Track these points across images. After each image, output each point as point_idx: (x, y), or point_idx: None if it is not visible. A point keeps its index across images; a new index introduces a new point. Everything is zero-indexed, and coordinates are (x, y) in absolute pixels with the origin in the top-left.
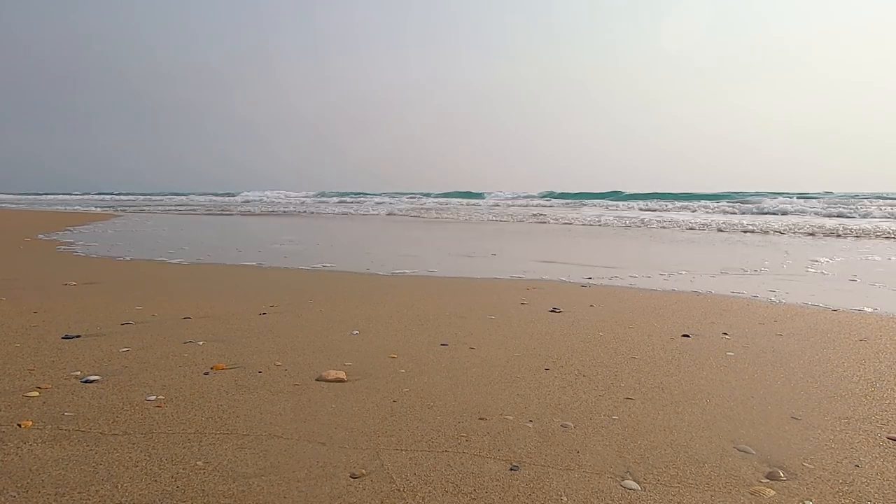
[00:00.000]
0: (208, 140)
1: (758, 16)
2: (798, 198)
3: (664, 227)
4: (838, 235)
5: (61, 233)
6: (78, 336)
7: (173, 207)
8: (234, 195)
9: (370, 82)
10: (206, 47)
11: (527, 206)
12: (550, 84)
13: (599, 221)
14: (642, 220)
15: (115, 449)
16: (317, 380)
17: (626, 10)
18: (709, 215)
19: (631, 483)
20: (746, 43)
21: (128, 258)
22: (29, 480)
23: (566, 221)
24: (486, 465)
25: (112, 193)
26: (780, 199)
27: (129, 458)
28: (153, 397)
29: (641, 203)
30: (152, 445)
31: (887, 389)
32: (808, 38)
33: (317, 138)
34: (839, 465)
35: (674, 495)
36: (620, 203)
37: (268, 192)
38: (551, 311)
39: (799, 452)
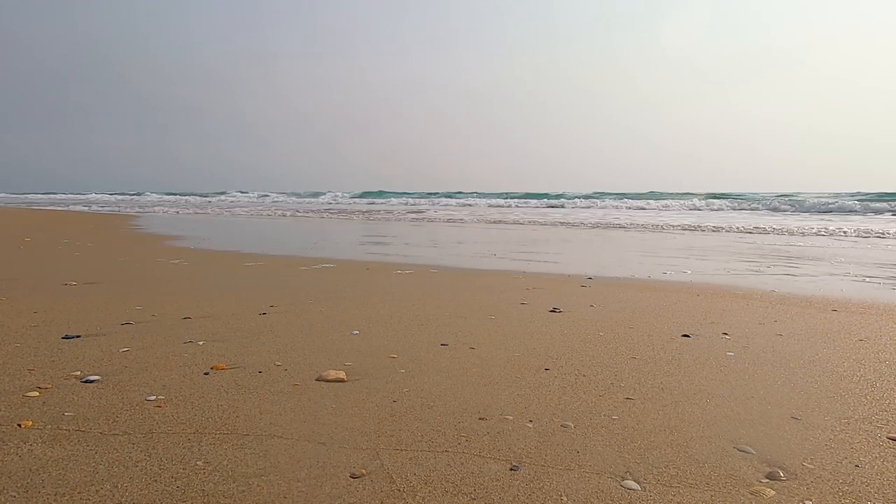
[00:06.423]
0: (209, 140)
1: (757, 17)
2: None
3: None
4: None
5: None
6: (78, 336)
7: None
8: (318, 195)
9: (370, 83)
10: (207, 48)
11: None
12: (551, 84)
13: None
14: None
15: (115, 449)
16: (317, 380)
17: (627, 10)
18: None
19: (631, 483)
20: (746, 44)
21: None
22: (29, 480)
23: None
24: (486, 465)
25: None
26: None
27: (129, 458)
28: (153, 397)
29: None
30: (152, 445)
31: (887, 389)
32: (809, 38)
33: (317, 138)
34: (839, 465)
35: (674, 495)
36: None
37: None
38: (551, 311)
39: (799, 452)
